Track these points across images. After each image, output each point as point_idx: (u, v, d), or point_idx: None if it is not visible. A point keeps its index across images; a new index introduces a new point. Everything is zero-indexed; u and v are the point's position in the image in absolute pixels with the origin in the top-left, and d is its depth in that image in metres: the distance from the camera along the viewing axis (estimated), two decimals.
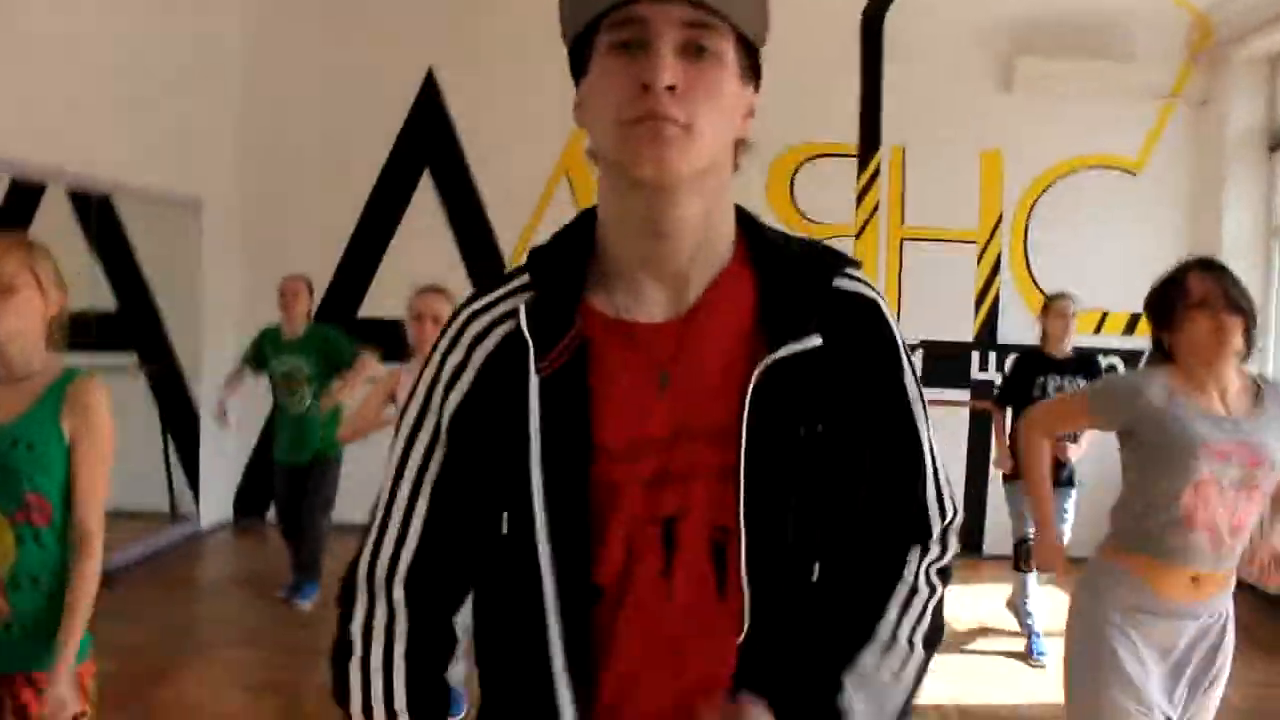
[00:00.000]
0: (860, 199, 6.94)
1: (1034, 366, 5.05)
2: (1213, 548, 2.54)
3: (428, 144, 7.02)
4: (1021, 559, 4.87)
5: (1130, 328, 6.74)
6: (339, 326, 5.67)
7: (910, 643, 1.18)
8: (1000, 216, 6.90)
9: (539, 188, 6.96)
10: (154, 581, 5.80)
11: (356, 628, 1.18)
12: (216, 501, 7.00)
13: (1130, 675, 2.54)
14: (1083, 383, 4.97)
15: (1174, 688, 2.60)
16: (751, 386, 1.07)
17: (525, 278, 1.17)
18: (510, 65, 6.80)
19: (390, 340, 6.29)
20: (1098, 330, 6.67)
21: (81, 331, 7.17)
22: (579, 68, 1.12)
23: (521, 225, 6.96)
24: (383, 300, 7.00)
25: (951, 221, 6.88)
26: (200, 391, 6.89)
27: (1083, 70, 6.57)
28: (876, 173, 6.92)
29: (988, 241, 6.91)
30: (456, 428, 1.14)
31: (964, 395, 6.86)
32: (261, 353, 5.54)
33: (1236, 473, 2.52)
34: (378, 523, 1.20)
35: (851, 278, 1.17)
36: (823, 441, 1.10)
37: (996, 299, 6.92)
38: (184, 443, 6.99)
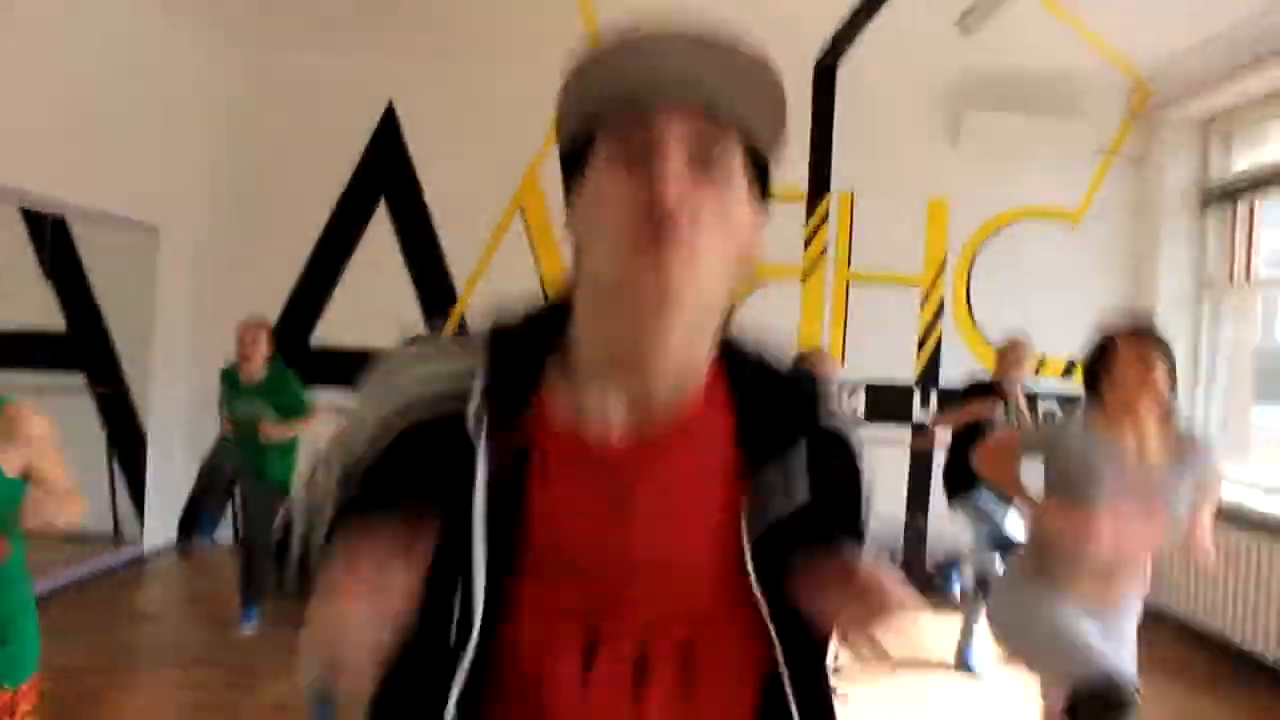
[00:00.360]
0: (808, 242, 7.10)
1: (982, 396, 5.30)
2: (1112, 564, 2.89)
3: (385, 176, 7.09)
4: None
5: (1067, 372, 6.94)
6: (297, 372, 5.56)
7: None
8: (944, 262, 7.09)
9: (493, 222, 7.04)
10: (94, 603, 5.77)
11: None
12: (161, 525, 6.96)
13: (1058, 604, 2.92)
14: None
15: None
16: (749, 552, 1.02)
17: (478, 351, 1.06)
18: (469, 101, 6.92)
19: (340, 369, 6.33)
20: (1036, 373, 6.83)
21: (30, 350, 7.12)
22: (572, 168, 1.03)
23: (475, 259, 7.04)
24: (333, 330, 7.06)
25: (897, 266, 7.06)
26: (148, 414, 6.88)
27: (1026, 126, 6.79)
28: (825, 217, 7.09)
29: (931, 286, 7.10)
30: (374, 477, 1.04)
31: (905, 433, 7.02)
32: (222, 393, 5.49)
33: (1134, 510, 2.83)
34: None
35: (832, 414, 1.11)
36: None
37: (939, 342, 7.10)
38: (130, 465, 6.97)
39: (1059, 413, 6.47)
